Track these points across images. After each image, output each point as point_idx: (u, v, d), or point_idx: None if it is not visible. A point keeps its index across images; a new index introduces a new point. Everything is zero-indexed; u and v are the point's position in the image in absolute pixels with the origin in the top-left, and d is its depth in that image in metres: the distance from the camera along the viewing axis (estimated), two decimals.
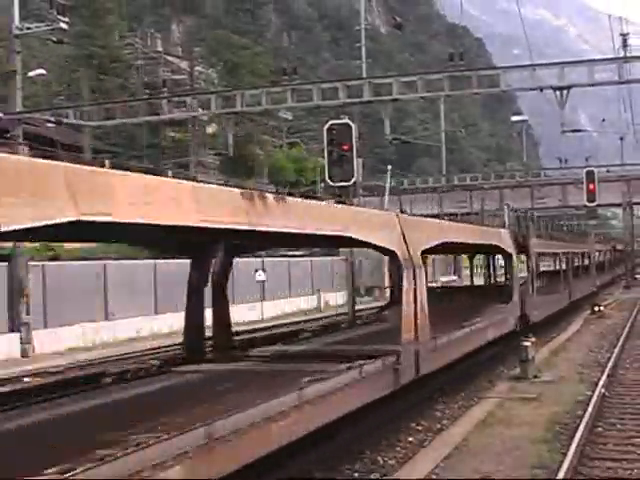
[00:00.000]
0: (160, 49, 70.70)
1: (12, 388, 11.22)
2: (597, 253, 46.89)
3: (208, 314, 11.93)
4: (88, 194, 5.96)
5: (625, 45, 32.23)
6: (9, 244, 23.00)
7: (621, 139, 63.44)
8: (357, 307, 28.58)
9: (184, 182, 7.47)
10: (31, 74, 31.52)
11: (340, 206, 11.40)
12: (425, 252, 13.22)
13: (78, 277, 27.25)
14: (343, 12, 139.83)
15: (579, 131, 54.10)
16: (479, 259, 29.08)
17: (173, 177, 7.41)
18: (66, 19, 25.12)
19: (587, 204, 42.43)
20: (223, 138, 33.52)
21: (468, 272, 27.89)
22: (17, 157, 5.68)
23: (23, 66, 27.05)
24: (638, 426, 11.92)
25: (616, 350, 20.17)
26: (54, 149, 21.89)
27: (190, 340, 11.54)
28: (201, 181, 8.29)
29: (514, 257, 21.01)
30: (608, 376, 16.05)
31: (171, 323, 30.44)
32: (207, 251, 11.20)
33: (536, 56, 27.75)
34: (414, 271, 12.04)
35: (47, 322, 26.02)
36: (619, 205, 57.47)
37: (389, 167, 40.80)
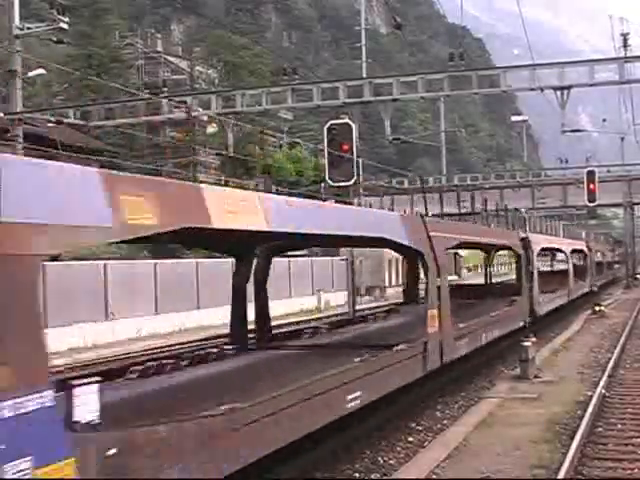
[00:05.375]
0: (160, 49, 70.80)
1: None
2: None
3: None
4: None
5: (625, 45, 32.24)
6: None
7: (621, 139, 63.42)
8: (358, 307, 28.50)
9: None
10: (31, 74, 31.48)
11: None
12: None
13: (78, 277, 27.22)
14: (343, 12, 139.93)
15: (579, 131, 53.91)
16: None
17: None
18: (66, 19, 25.06)
19: (588, 204, 42.38)
20: (223, 138, 33.50)
21: (466, 272, 27.38)
22: None
23: (23, 66, 27.03)
24: (638, 426, 11.91)
25: (616, 350, 20.14)
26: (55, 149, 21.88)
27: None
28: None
29: None
30: (608, 376, 16.03)
31: (172, 323, 30.48)
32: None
33: (536, 56, 27.69)
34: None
35: (47, 322, 25.93)
36: (619, 205, 57.45)
37: None
